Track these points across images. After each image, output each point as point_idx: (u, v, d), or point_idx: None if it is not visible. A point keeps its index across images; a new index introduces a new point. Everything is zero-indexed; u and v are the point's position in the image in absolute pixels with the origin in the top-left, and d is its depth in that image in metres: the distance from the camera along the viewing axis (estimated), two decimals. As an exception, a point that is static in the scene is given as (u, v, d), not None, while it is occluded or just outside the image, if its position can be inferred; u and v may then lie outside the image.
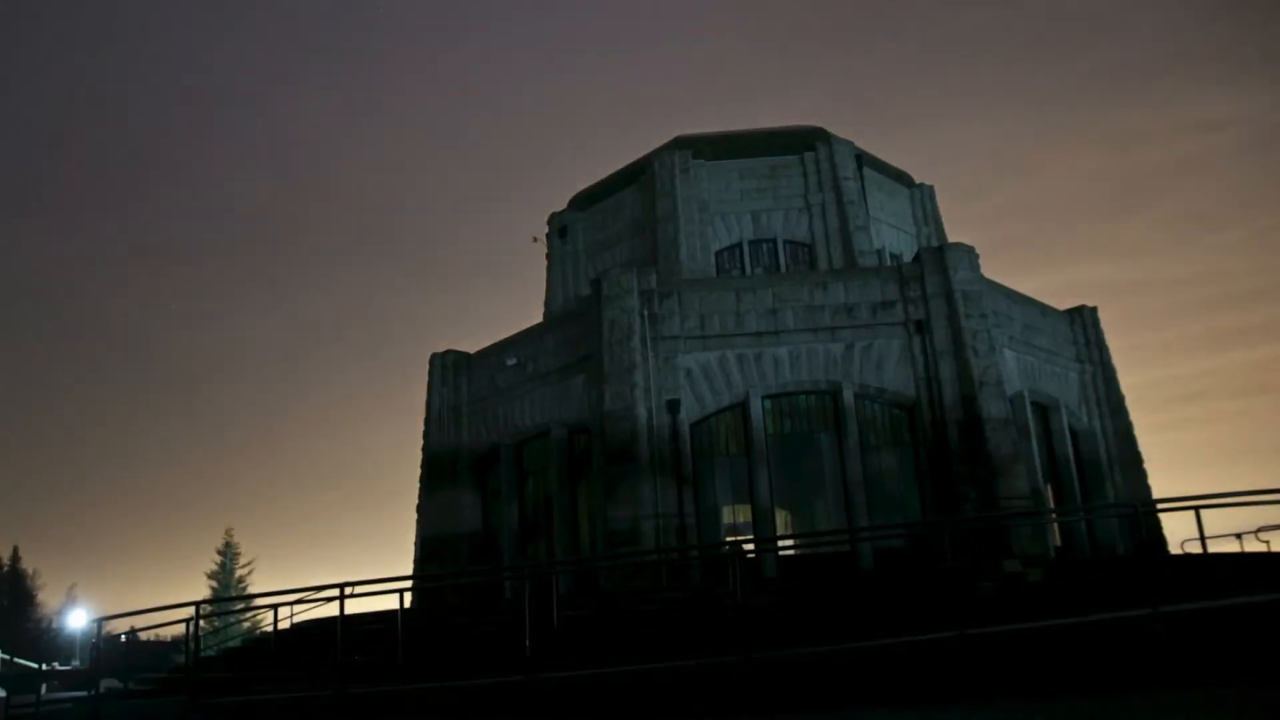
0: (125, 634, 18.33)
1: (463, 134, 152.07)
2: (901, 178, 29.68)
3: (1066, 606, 11.09)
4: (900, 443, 19.44)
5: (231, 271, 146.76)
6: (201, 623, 16.01)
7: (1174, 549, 18.33)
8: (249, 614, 24.91)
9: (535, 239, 30.62)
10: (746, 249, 26.40)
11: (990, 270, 20.69)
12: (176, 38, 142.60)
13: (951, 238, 26.53)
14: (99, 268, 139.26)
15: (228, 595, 53.21)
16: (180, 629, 17.81)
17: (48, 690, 25.95)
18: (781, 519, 21.25)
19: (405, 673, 12.35)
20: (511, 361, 22.61)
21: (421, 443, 24.36)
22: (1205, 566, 12.52)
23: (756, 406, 19.12)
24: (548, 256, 29.92)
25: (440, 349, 24.53)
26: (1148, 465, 23.52)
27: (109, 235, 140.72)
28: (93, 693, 16.03)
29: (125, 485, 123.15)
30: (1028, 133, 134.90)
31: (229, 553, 60.86)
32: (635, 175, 28.11)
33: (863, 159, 27.48)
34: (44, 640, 55.59)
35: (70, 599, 61.65)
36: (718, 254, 26.32)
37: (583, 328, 20.79)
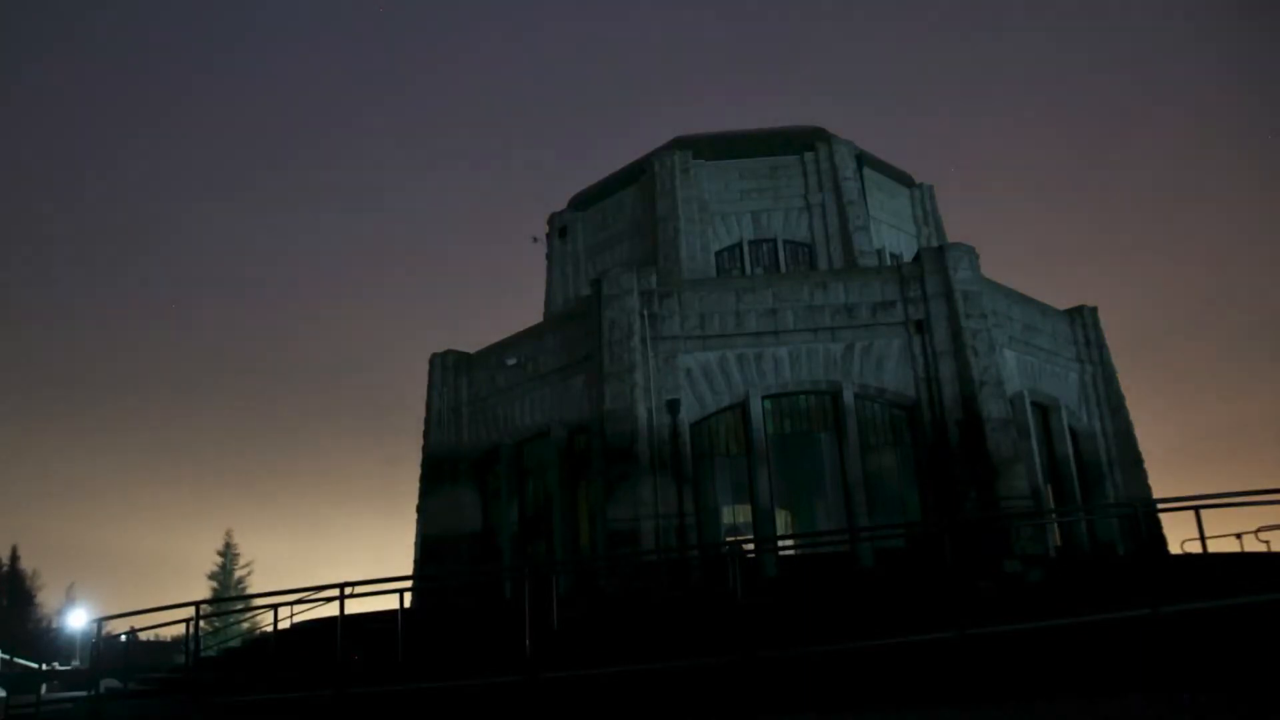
0: (125, 634, 18.36)
1: (462, 134, 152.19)
2: (901, 178, 29.69)
3: (1066, 606, 11.09)
4: (900, 443, 19.44)
5: (230, 271, 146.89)
6: (201, 623, 16.03)
7: (1174, 549, 18.33)
8: (249, 614, 24.85)
9: (535, 239, 30.68)
10: (746, 249, 26.41)
11: (990, 270, 20.73)
12: (177, 33, 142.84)
13: (952, 238, 26.54)
14: (96, 267, 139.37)
15: (228, 595, 53.26)
16: (180, 629, 17.88)
17: (48, 690, 25.97)
18: (781, 519, 21.22)
19: (405, 673, 12.37)
20: (511, 361, 22.62)
21: (421, 443, 24.38)
22: (1205, 566, 12.51)
23: (756, 406, 19.12)
24: (548, 256, 29.94)
25: (440, 349, 24.55)
26: (1147, 465, 23.56)
27: (106, 234, 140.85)
28: (93, 693, 16.05)
29: (125, 485, 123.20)
30: (1029, 132, 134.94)
31: (229, 553, 61.08)
32: (635, 175, 28.12)
33: (863, 159, 27.51)
34: (44, 640, 55.52)
35: (70, 599, 61.60)
36: (718, 254, 26.33)
37: (583, 328, 20.80)
